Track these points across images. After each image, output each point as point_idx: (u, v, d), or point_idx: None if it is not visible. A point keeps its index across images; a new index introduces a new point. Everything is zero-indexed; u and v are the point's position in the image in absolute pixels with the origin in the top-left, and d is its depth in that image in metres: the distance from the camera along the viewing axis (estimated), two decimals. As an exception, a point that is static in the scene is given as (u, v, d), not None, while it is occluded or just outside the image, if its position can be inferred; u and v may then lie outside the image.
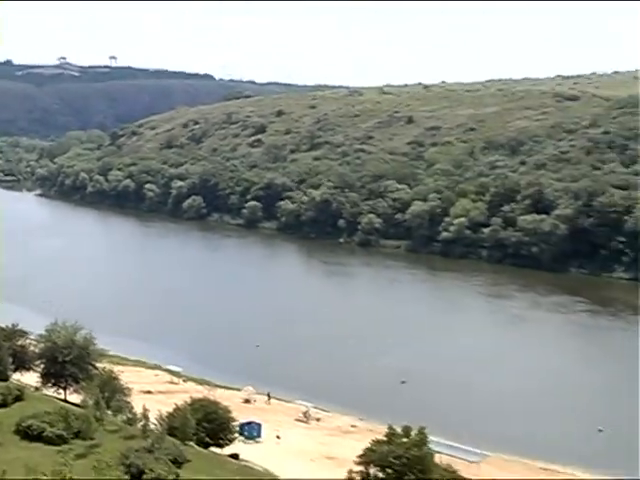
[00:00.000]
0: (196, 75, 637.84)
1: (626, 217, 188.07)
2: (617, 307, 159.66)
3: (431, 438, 71.00)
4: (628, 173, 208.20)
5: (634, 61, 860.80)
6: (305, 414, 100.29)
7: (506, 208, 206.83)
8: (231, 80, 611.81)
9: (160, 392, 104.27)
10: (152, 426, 72.73)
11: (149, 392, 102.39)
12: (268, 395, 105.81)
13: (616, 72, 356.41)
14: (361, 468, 69.57)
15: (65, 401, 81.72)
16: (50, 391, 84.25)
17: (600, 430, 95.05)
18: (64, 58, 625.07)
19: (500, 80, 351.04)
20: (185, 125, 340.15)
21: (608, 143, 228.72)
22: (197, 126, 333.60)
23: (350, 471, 71.71)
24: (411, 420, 72.29)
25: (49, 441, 66.51)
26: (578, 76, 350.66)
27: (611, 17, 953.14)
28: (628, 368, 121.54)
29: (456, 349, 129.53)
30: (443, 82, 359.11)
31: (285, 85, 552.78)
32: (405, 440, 68.42)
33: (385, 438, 70.05)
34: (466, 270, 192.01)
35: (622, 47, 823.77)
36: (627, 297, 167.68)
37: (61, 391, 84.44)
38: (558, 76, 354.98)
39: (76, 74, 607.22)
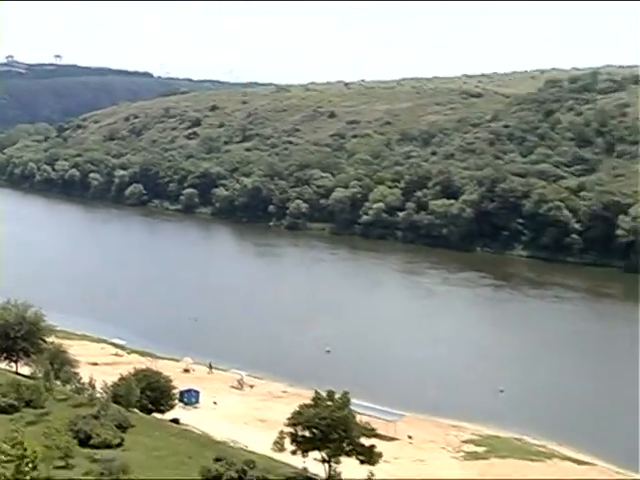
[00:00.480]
0: (136, 73, 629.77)
1: (524, 201, 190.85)
2: (516, 281, 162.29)
3: (353, 401, 71.51)
4: (526, 162, 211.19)
5: (532, 61, 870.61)
6: (239, 382, 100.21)
7: (419, 194, 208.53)
8: (169, 77, 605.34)
9: (106, 364, 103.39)
10: (98, 395, 72.24)
11: (95, 364, 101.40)
12: (210, 365, 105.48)
13: (514, 72, 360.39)
14: (290, 429, 69.93)
15: (17, 373, 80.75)
16: (2, 365, 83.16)
17: (501, 391, 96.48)
18: (11, 56, 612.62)
19: (413, 78, 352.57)
20: (126, 119, 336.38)
21: (508, 136, 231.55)
22: (137, 120, 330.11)
23: (281, 432, 72.01)
24: (335, 385, 72.68)
25: (2, 410, 65.78)
26: (482, 75, 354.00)
27: (512, 17, 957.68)
28: (527, 335, 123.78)
29: (375, 321, 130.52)
30: (362, 80, 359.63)
31: (219, 82, 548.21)
32: (329, 403, 68.85)
33: (312, 402, 70.43)
34: (384, 250, 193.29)
35: (521, 47, 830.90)
36: (525, 272, 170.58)
37: (13, 364, 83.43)
38: (464, 75, 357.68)
39: (23, 71, 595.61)
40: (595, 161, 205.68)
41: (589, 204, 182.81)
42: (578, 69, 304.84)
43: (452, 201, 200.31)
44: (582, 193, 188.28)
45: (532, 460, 79.76)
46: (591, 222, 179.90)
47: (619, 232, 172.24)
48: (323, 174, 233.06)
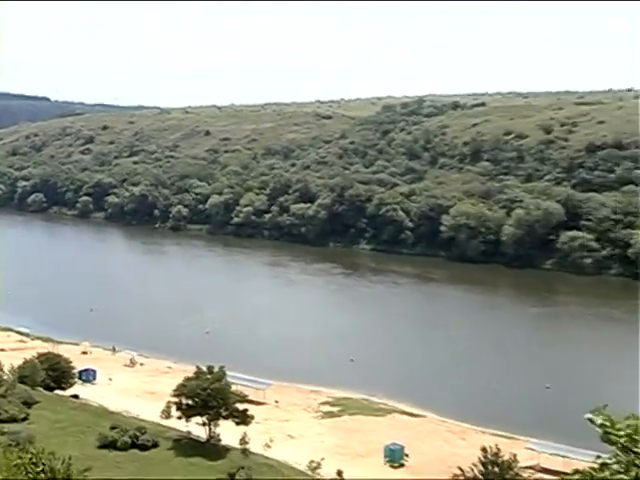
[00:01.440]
0: (35, 97, 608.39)
1: (367, 204, 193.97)
2: (362, 270, 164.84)
3: (228, 373, 71.33)
4: (368, 172, 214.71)
5: (371, 89, 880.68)
6: (131, 360, 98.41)
7: (281, 199, 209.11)
8: (64, 101, 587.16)
9: (12, 349, 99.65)
10: (5, 377, 69.75)
11: (2, 350, 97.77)
12: (113, 348, 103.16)
13: (358, 98, 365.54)
14: (175, 399, 69.31)
15: None
16: None
17: (351, 360, 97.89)
18: None
19: (274, 103, 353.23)
20: (27, 137, 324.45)
21: (353, 150, 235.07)
22: (37, 138, 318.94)
23: (167, 402, 71.16)
24: (213, 361, 72.31)
25: None
26: (331, 101, 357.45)
27: (352, 51, 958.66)
28: (371, 313, 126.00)
29: (247, 305, 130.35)
30: (232, 104, 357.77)
31: (109, 106, 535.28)
32: (209, 376, 68.55)
33: (194, 376, 69.95)
34: (253, 246, 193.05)
35: (362, 78, 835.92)
36: (369, 263, 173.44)
37: None
38: (317, 100, 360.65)
39: None
40: (422, 171, 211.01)
41: (418, 206, 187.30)
42: (408, 97, 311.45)
43: (309, 205, 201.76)
44: (413, 197, 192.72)
45: (376, 415, 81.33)
46: (420, 221, 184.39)
47: (442, 228, 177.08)
48: (200, 183, 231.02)
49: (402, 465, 68.49)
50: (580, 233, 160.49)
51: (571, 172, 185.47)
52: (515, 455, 56.56)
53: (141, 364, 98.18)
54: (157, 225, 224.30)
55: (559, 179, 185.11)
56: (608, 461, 7.64)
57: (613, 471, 7.19)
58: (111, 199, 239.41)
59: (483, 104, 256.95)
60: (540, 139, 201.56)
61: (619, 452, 7.53)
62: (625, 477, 7.20)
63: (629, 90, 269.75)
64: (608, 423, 7.43)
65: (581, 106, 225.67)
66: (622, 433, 7.37)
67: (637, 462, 7.13)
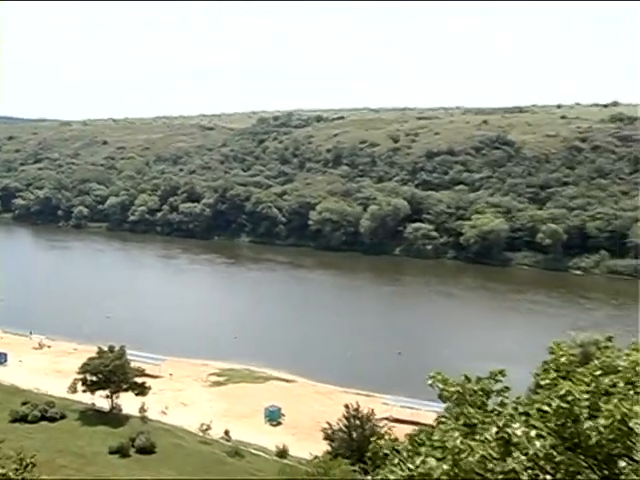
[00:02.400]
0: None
1: (246, 203, 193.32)
2: (242, 259, 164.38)
3: (128, 352, 69.71)
4: (246, 176, 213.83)
5: (247, 104, 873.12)
6: (40, 343, 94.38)
7: (171, 199, 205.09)
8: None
9: None
10: None
11: None
12: (30, 332, 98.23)
13: (236, 112, 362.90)
14: (81, 376, 67.18)
15: None
16: None
17: (235, 337, 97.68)
18: None
19: (164, 116, 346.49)
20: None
21: (233, 157, 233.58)
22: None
23: (74, 379, 68.85)
24: (114, 341, 70.54)
25: None
26: (213, 115, 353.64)
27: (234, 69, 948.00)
28: (251, 295, 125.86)
29: (144, 292, 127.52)
30: (126, 117, 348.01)
31: (15, 118, 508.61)
32: (110, 355, 66.79)
33: (97, 355, 67.99)
34: (147, 241, 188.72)
35: (241, 95, 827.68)
36: (248, 253, 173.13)
37: None
38: (201, 114, 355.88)
39: None
40: (292, 174, 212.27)
41: (290, 204, 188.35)
42: (279, 111, 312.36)
43: (195, 204, 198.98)
44: (285, 196, 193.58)
45: (257, 383, 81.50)
46: (291, 216, 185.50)
47: (310, 222, 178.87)
48: (99, 186, 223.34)
49: (280, 423, 69.20)
50: (422, 225, 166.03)
51: (414, 174, 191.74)
52: (373, 409, 58.17)
53: (49, 347, 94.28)
54: (61, 224, 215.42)
55: (405, 180, 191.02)
56: (445, 414, 8.01)
57: (447, 421, 7.56)
58: (18, 201, 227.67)
59: (342, 117, 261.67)
60: (389, 147, 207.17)
61: (452, 405, 7.91)
62: (457, 425, 7.56)
63: (457, 108, 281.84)
64: (441, 385, 7.80)
65: (421, 120, 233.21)
66: (453, 390, 7.75)
67: (465, 412, 7.51)
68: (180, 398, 75.34)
